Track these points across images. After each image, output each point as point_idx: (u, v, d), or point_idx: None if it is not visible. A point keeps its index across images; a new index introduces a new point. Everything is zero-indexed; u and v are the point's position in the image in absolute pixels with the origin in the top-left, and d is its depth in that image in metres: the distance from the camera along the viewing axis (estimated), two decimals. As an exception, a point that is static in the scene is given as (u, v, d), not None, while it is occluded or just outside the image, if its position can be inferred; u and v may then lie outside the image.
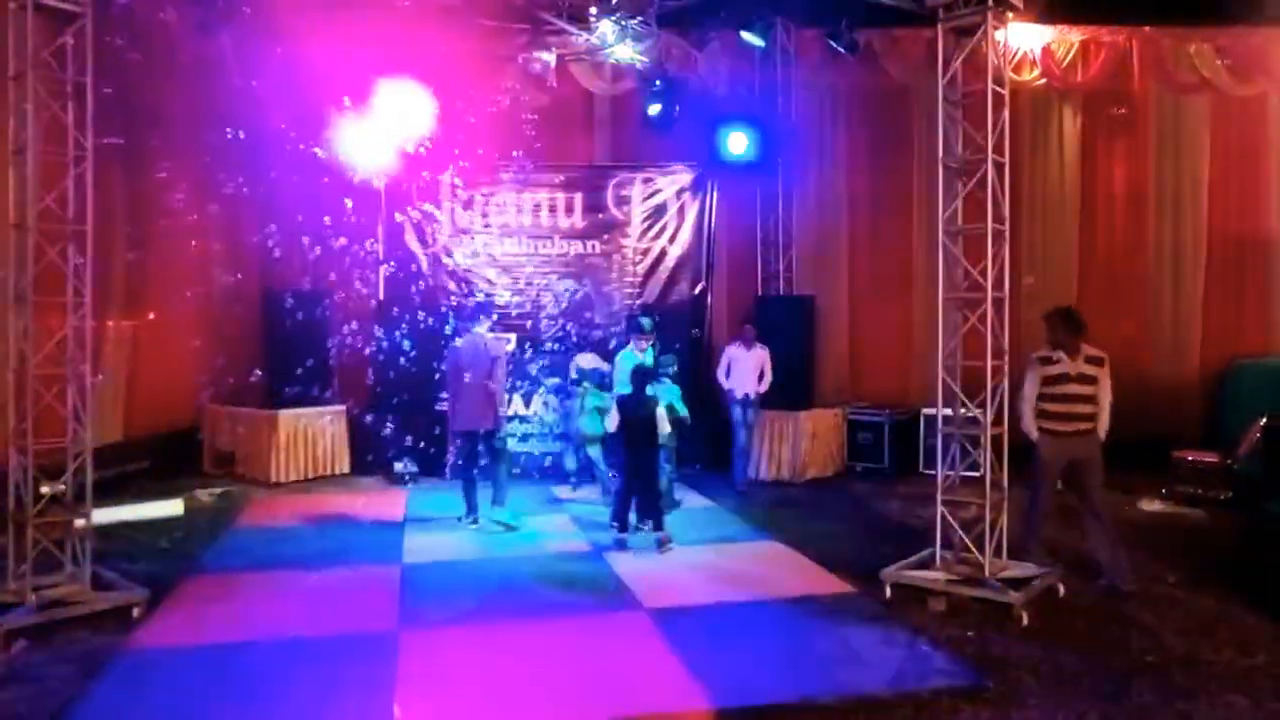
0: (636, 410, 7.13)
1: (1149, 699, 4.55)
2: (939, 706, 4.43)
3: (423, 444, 10.03)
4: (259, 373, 10.19)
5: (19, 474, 5.55)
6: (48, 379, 5.65)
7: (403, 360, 10.24)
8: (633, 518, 7.30)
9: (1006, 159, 6.06)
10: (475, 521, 7.89)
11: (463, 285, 10.82)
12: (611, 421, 7.26)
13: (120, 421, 9.62)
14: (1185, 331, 11.33)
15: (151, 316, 9.75)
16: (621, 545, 7.17)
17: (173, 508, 8.34)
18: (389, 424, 10.12)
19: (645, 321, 8.52)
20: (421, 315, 10.37)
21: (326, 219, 10.14)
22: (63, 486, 5.70)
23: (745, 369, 9.49)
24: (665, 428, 7.14)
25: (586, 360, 9.76)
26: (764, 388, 9.52)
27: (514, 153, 10.48)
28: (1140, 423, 10.08)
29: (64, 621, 5.35)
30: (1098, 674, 4.84)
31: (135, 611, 5.58)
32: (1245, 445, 8.59)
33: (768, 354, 9.51)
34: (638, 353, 8.26)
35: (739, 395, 9.46)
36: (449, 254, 10.80)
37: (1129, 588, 6.11)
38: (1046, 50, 10.98)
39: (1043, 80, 11.05)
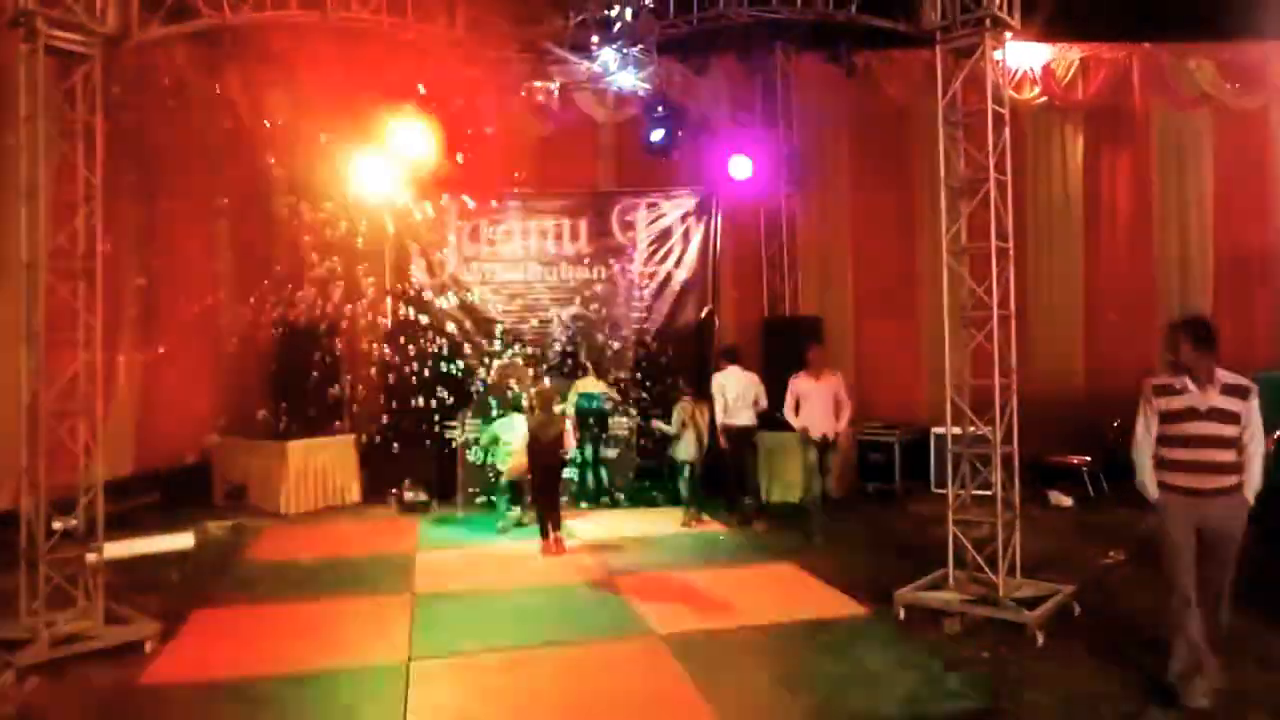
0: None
1: (1169, 719, 4.48)
2: (955, 729, 4.39)
3: (433, 473, 10.04)
4: (263, 412, 10.23)
5: (31, 510, 5.56)
6: (59, 414, 5.68)
7: (412, 389, 10.26)
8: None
9: (1009, 177, 6.08)
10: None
11: (470, 313, 10.86)
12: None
13: (131, 455, 9.66)
14: (1194, 346, 11.28)
15: (161, 350, 9.81)
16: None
17: (183, 541, 8.36)
18: (399, 453, 10.14)
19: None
20: (430, 344, 10.40)
21: (336, 252, 10.23)
22: (74, 521, 5.71)
23: (818, 404, 8.23)
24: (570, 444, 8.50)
25: (588, 385, 9.79)
26: (844, 424, 8.42)
27: (519, 180, 10.57)
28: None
29: (77, 657, 5.34)
30: (1115, 694, 4.77)
31: (147, 646, 5.58)
32: (1259, 459, 8.49)
33: (841, 381, 8.42)
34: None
35: (815, 435, 8.21)
36: (456, 282, 10.86)
37: (1199, 703, 4.56)
38: (1046, 68, 11.04)
39: (1043, 98, 11.10)
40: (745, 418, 8.86)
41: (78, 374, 5.73)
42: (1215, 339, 4.59)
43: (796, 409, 8.30)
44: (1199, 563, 4.58)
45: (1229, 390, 4.55)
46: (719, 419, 8.90)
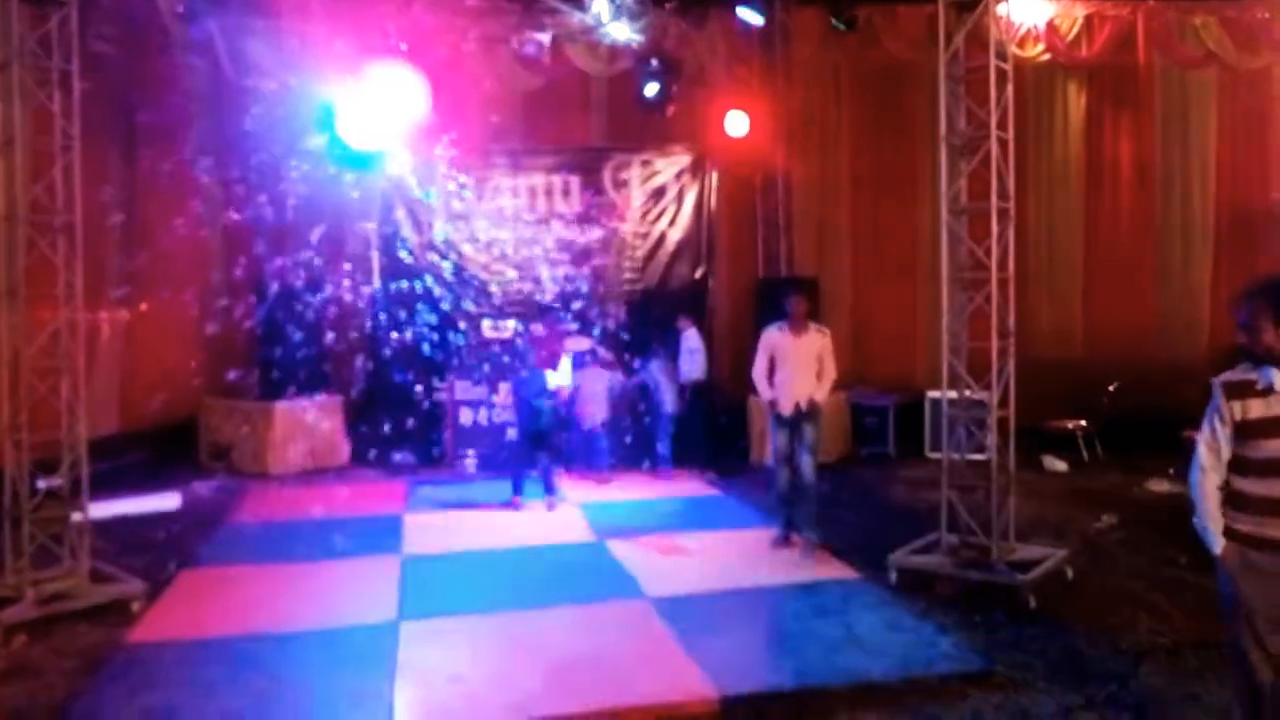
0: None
1: (1159, 681, 4.50)
2: (947, 691, 4.39)
3: (421, 434, 9.98)
4: (249, 372, 10.13)
5: (15, 468, 5.51)
6: (42, 372, 5.60)
7: (400, 348, 10.16)
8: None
9: (1011, 135, 5.96)
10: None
11: (458, 273, 10.71)
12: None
13: (116, 414, 9.57)
14: (1194, 310, 11.24)
15: (144, 308, 9.68)
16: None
17: (170, 501, 8.31)
18: (387, 415, 10.06)
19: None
20: (417, 303, 10.28)
21: (320, 207, 10.04)
22: (59, 481, 5.66)
23: (796, 367, 6.50)
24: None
25: (576, 344, 9.71)
26: (823, 394, 6.57)
27: (509, 136, 10.36)
28: (1149, 402, 10.03)
29: (63, 616, 5.33)
30: (1107, 656, 4.78)
31: (134, 605, 5.55)
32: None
33: (828, 342, 6.65)
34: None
35: (785, 410, 6.51)
36: (444, 240, 10.69)
37: None
38: (1050, 25, 10.80)
39: (1047, 55, 10.90)
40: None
41: (59, 331, 5.64)
42: None
43: (770, 372, 6.59)
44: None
45: None
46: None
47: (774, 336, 6.59)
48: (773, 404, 6.58)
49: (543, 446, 8.21)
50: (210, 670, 4.69)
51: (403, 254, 10.52)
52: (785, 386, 6.50)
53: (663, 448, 9.24)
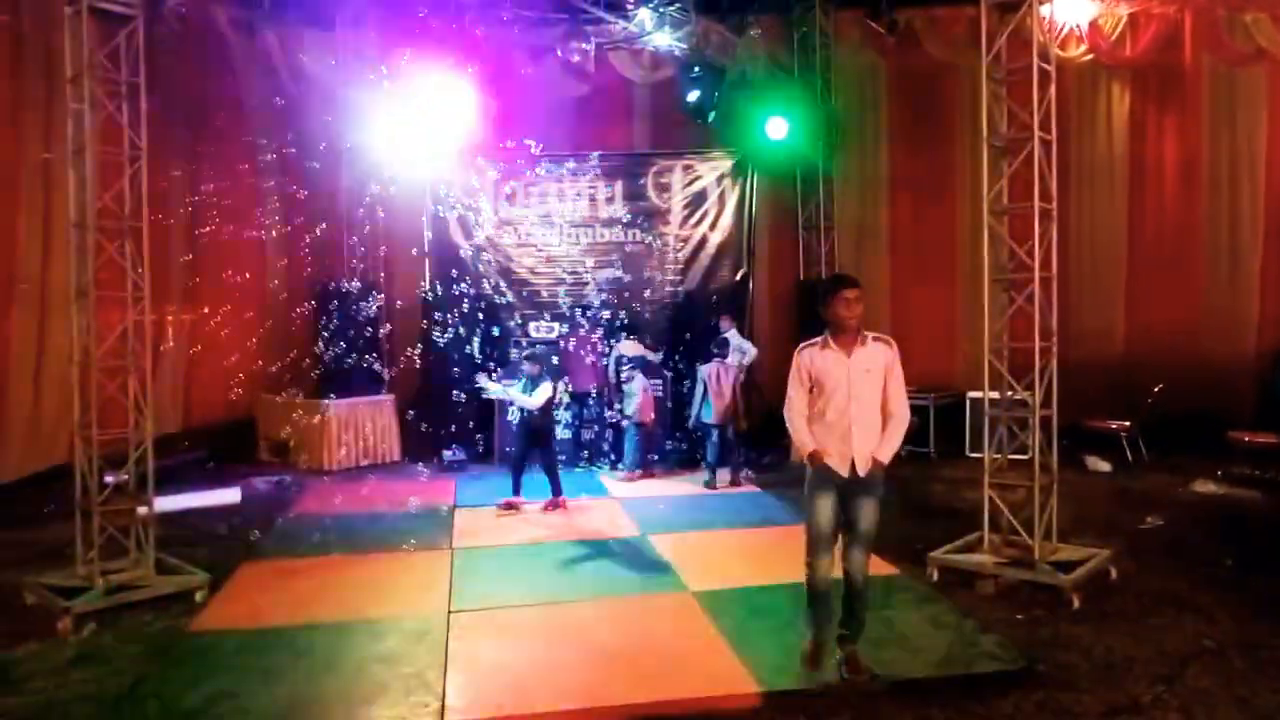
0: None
1: (1207, 684, 4.45)
2: (987, 690, 4.39)
3: (470, 432, 10.18)
4: (304, 370, 10.39)
5: (84, 463, 5.74)
6: (110, 371, 5.83)
7: (450, 350, 10.38)
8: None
9: (1054, 136, 5.96)
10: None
11: (506, 276, 10.91)
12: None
13: (180, 412, 9.90)
14: (1241, 309, 11.05)
15: (205, 310, 10.00)
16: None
17: (230, 495, 8.59)
18: (437, 413, 10.28)
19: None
20: (466, 306, 10.50)
21: (375, 213, 10.31)
22: (125, 475, 5.89)
23: (848, 400, 4.38)
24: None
25: (628, 347, 9.85)
26: (891, 447, 4.47)
27: (555, 142, 10.53)
28: (1193, 403, 9.91)
29: (130, 605, 5.55)
30: (1151, 658, 4.75)
31: (198, 595, 5.77)
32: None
33: (895, 354, 4.50)
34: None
35: (839, 469, 4.39)
36: (492, 245, 10.89)
37: None
38: (1093, 25, 10.74)
39: (1089, 56, 10.81)
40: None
41: (126, 331, 5.86)
42: None
43: (811, 410, 4.49)
44: None
45: None
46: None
47: (814, 357, 4.45)
48: (815, 458, 4.42)
49: (538, 448, 8.14)
50: (269, 658, 4.86)
51: (453, 257, 10.74)
52: (836, 431, 4.38)
53: (710, 455, 9.14)
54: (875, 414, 4.42)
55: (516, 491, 8.18)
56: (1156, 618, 5.32)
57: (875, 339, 4.47)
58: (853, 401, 4.36)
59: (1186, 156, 11.28)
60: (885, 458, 4.42)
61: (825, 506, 4.42)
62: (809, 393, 4.48)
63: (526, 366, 8.17)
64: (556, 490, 8.17)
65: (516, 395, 8.04)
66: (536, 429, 8.08)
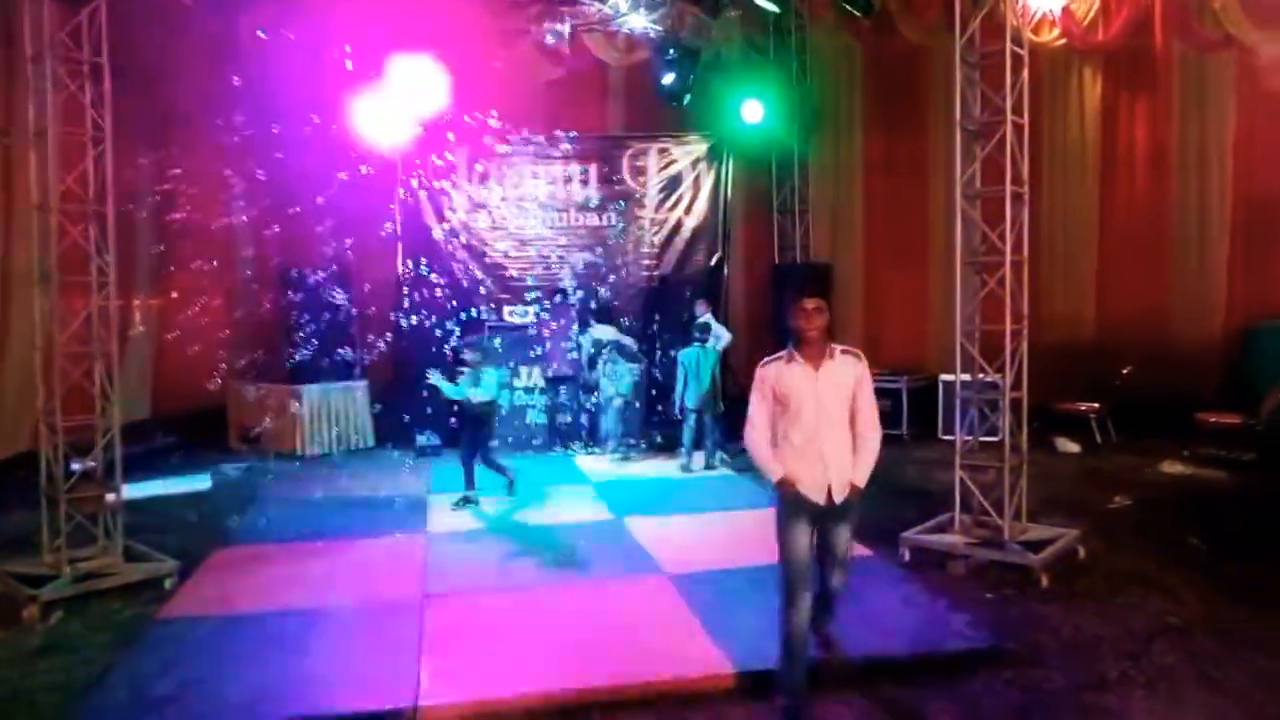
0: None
1: (1171, 660, 4.54)
2: (958, 669, 4.45)
3: (443, 417, 10.12)
4: (275, 355, 10.27)
5: (49, 450, 5.67)
6: (75, 357, 5.74)
7: (422, 334, 10.31)
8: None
9: (1026, 120, 6.00)
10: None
11: (479, 259, 10.83)
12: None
13: (148, 399, 9.76)
14: (1209, 292, 11.18)
15: (174, 295, 9.86)
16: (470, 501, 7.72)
17: (201, 482, 8.50)
18: (410, 398, 10.22)
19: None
20: (439, 291, 10.42)
21: (344, 197, 10.18)
22: (93, 463, 5.81)
23: (818, 421, 4.05)
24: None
25: (604, 331, 9.84)
26: (865, 471, 4.17)
27: (529, 124, 10.45)
28: (1161, 384, 10.04)
29: (98, 593, 5.48)
30: (1118, 635, 4.83)
31: (167, 583, 5.72)
32: (1268, 406, 8.53)
33: (864, 370, 4.18)
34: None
35: (813, 496, 4.04)
36: (465, 228, 10.81)
37: None
38: (1066, 10, 10.76)
39: (1062, 40, 10.87)
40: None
41: (91, 316, 5.77)
42: None
43: (773, 432, 4.15)
44: None
45: None
46: None
47: (779, 374, 4.09)
48: (785, 485, 4.05)
49: (480, 435, 7.81)
50: (240, 645, 4.82)
51: (425, 240, 10.65)
52: (808, 456, 4.04)
53: (687, 439, 9.18)
54: (846, 433, 4.10)
55: (470, 485, 7.83)
56: (1124, 596, 5.41)
57: (844, 351, 4.13)
58: (822, 421, 4.02)
59: (1157, 142, 11.38)
60: (863, 483, 4.13)
61: (801, 540, 4.05)
62: (769, 407, 4.12)
63: (467, 355, 7.84)
64: (468, 483, 7.77)
65: (466, 390, 7.64)
66: (476, 417, 7.72)
